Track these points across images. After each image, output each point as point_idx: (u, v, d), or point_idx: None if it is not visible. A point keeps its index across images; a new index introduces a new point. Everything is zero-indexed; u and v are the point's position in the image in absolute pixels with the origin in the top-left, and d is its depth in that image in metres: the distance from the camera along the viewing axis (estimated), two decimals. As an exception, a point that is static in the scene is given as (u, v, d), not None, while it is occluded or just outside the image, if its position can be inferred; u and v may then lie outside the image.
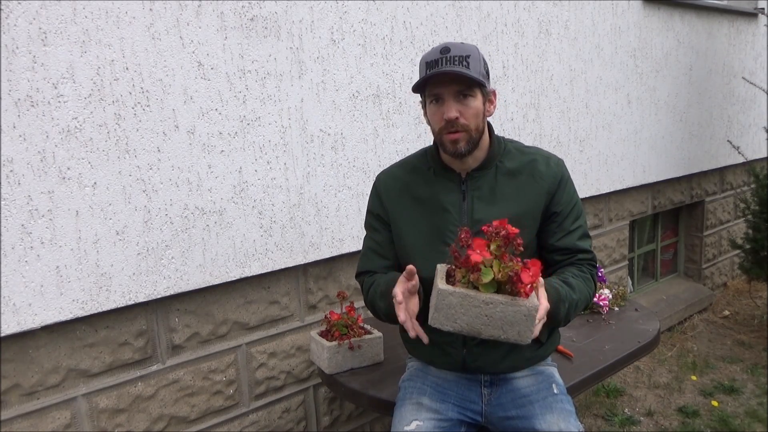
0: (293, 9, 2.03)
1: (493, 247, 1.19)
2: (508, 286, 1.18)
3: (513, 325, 1.18)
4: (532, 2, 2.86)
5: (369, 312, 2.43)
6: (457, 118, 1.40)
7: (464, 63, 1.37)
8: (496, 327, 1.18)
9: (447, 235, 1.49)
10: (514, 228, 1.19)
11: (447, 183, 1.52)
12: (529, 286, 1.17)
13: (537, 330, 1.24)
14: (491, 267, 1.18)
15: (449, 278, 1.25)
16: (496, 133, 1.55)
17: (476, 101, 1.42)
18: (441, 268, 1.30)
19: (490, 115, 1.48)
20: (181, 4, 1.79)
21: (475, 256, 1.17)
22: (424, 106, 1.50)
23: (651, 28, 3.57)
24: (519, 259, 1.20)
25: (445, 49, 1.38)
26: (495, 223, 1.21)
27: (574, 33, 3.10)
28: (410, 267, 1.35)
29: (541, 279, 1.31)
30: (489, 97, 1.47)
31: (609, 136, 3.40)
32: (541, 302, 1.25)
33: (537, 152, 1.55)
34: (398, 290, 1.35)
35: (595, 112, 3.29)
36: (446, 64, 1.37)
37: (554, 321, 1.41)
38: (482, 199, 1.50)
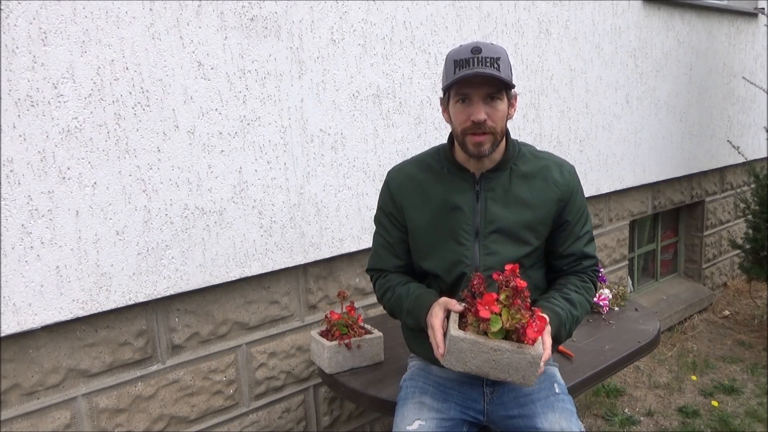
0: (293, 9, 2.03)
1: (502, 296, 1.28)
2: (514, 335, 1.26)
3: (518, 370, 1.27)
4: (532, 2, 2.86)
5: (369, 312, 2.45)
6: (485, 120, 1.40)
7: (495, 65, 1.37)
8: (503, 371, 1.27)
9: (460, 234, 1.50)
10: (522, 281, 1.27)
11: (461, 183, 1.53)
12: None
13: (541, 369, 1.31)
14: (500, 315, 1.26)
15: (462, 318, 1.32)
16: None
17: (503, 104, 1.43)
18: (454, 315, 1.35)
19: (510, 119, 1.49)
20: (181, 4, 1.79)
21: (484, 313, 1.26)
22: (445, 104, 1.50)
23: (651, 28, 3.57)
24: (528, 306, 1.27)
25: (476, 49, 1.37)
26: (507, 268, 1.29)
27: (574, 33, 3.10)
28: (444, 302, 1.40)
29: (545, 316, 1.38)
30: (512, 100, 1.47)
31: (609, 136, 3.40)
32: (545, 340, 1.32)
33: (550, 158, 1.57)
34: (437, 325, 1.37)
35: (595, 111, 3.29)
36: (478, 64, 1.36)
37: (557, 342, 1.48)
38: (496, 201, 1.50)
